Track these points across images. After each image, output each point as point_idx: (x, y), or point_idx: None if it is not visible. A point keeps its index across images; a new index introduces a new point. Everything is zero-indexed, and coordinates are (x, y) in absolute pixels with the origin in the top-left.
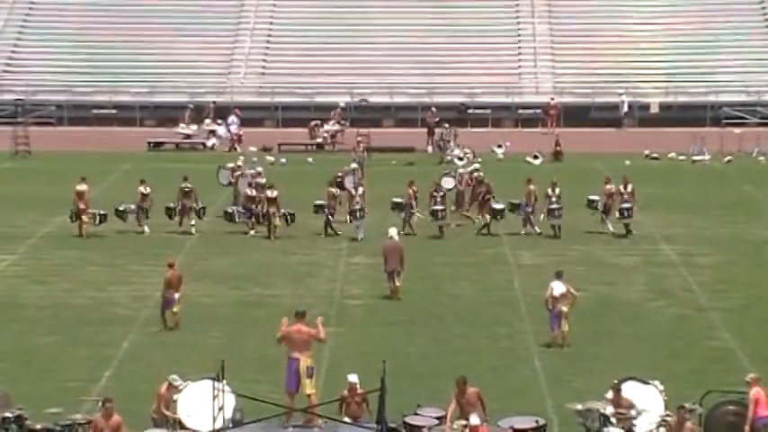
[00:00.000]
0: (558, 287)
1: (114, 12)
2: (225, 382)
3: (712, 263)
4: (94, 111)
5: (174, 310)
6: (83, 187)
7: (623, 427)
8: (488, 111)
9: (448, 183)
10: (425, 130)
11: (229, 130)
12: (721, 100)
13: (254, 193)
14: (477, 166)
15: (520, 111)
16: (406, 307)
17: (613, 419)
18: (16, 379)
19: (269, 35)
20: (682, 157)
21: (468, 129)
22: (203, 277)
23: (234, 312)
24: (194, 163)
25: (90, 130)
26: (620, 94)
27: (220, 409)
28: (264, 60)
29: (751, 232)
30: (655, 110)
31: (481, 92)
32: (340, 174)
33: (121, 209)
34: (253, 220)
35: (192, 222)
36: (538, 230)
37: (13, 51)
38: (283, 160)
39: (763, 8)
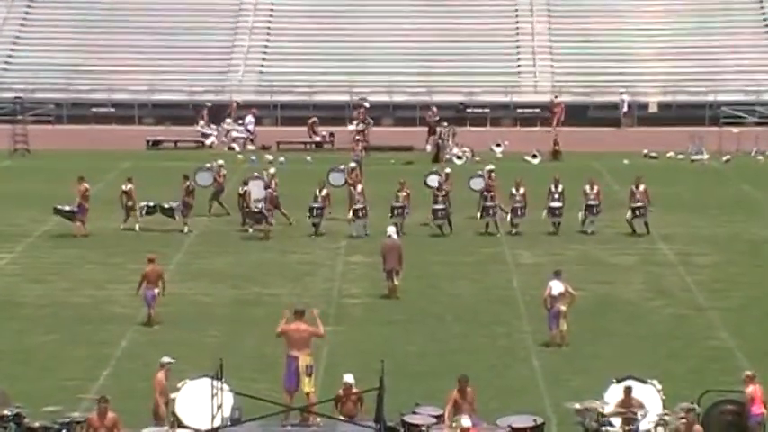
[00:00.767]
0: (556, 286)
1: (113, 10)
2: (223, 380)
3: (711, 262)
4: (93, 109)
5: (152, 311)
6: (128, 186)
7: (628, 429)
8: (487, 110)
9: (477, 184)
10: (425, 129)
11: (248, 129)
12: (720, 99)
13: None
14: (491, 166)
15: (518, 110)
16: (405, 306)
17: (616, 420)
18: (14, 377)
19: (268, 33)
20: (680, 157)
21: (466, 128)
22: (201, 276)
23: (232, 311)
24: (194, 162)
25: (89, 129)
26: (621, 94)
27: (219, 407)
28: (263, 59)
29: (749, 232)
30: (653, 109)
31: (480, 91)
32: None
33: (167, 206)
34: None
35: (186, 221)
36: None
37: (12, 49)
38: (282, 159)
39: (762, 8)
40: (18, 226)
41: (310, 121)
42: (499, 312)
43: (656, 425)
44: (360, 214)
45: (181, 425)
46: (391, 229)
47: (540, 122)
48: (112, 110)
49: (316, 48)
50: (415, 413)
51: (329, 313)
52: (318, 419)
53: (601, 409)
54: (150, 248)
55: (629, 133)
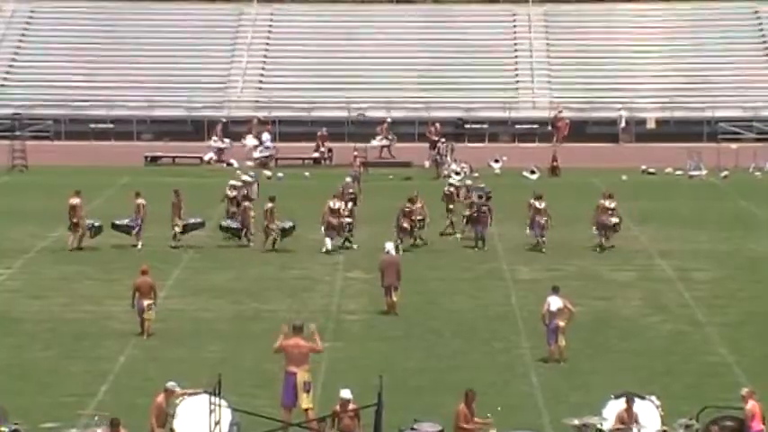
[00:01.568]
0: (554, 302)
1: (112, 26)
2: (222, 396)
3: (709, 278)
4: (92, 125)
5: (145, 316)
6: (75, 201)
7: None
8: (485, 126)
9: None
10: (426, 144)
11: (267, 147)
12: (718, 115)
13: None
14: (483, 185)
15: (517, 126)
16: (403, 322)
17: None
18: (12, 393)
19: (266, 49)
20: (678, 173)
21: (465, 143)
22: (201, 292)
23: (231, 327)
24: (192, 177)
25: (87, 145)
26: (618, 110)
27: (217, 423)
28: (262, 74)
29: (747, 247)
30: (651, 125)
31: (478, 107)
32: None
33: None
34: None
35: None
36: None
37: (10, 65)
38: (280, 174)
39: (759, 24)
40: (16, 242)
41: (319, 134)
42: (498, 328)
43: None
44: (339, 230)
45: None
46: (390, 245)
47: (538, 138)
48: (111, 126)
49: (314, 63)
50: (413, 429)
51: (328, 329)
52: None
53: (599, 425)
54: (149, 264)
55: (628, 149)
